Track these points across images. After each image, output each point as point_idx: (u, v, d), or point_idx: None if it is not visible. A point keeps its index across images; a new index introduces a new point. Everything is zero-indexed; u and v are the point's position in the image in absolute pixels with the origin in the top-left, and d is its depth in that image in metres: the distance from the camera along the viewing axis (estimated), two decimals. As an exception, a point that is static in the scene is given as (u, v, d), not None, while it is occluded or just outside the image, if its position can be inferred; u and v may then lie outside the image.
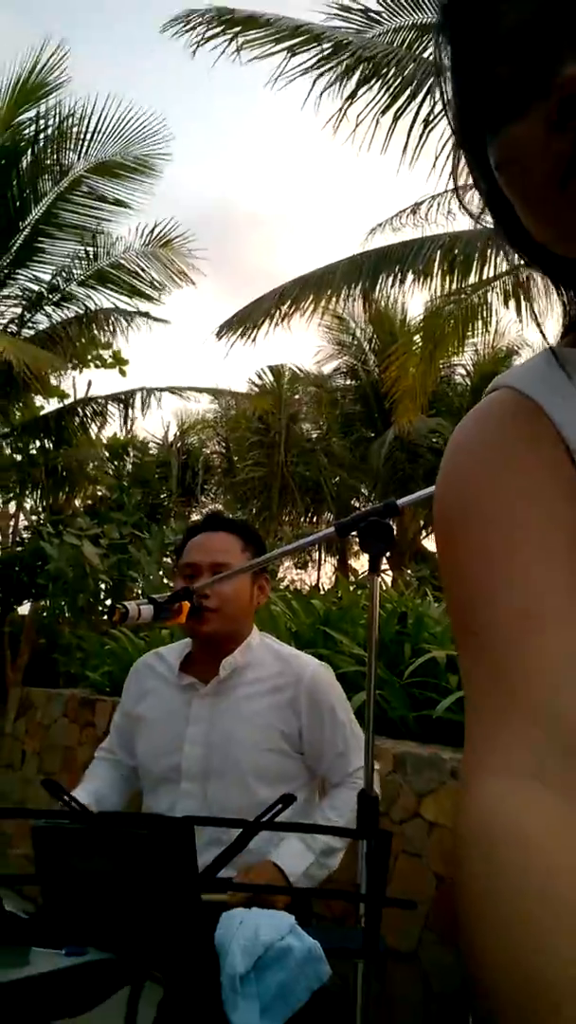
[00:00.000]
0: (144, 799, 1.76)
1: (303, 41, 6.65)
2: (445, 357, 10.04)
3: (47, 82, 8.90)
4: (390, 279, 7.51)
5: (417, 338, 8.57)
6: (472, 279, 7.38)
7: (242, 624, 1.74)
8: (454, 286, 7.44)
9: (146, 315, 10.23)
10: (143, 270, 10.05)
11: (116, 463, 14.83)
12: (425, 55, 6.81)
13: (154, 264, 10.02)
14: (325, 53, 6.66)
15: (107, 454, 13.80)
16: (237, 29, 6.72)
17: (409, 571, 13.65)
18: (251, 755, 1.63)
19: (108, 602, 8.67)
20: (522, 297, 7.55)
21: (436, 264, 7.31)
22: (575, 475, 0.44)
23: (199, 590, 1.63)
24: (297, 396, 17.43)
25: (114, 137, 9.22)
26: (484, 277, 7.37)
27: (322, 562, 19.65)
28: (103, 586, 8.73)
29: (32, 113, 9.08)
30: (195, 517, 17.40)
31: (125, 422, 10.71)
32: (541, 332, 0.53)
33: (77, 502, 11.58)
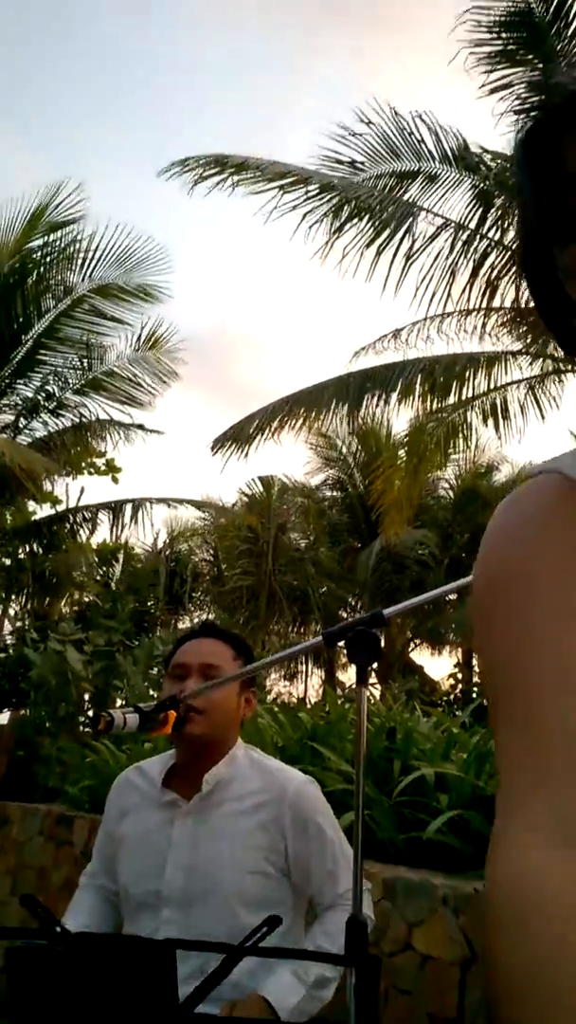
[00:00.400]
0: (124, 925, 1.68)
1: (292, 182, 7.25)
2: (429, 471, 10.33)
3: (62, 217, 9.55)
4: (375, 398, 7.86)
5: (402, 453, 8.85)
6: (452, 399, 7.73)
7: (228, 733, 1.73)
8: (435, 405, 7.78)
9: (140, 427, 10.54)
10: (135, 376, 10.46)
11: (105, 569, 14.80)
12: (404, 198, 7.42)
13: (144, 368, 10.44)
14: (313, 193, 7.25)
15: (96, 559, 13.79)
16: (231, 171, 7.35)
17: (397, 685, 13.41)
18: (235, 878, 1.57)
19: (91, 712, 8.45)
20: (500, 416, 7.89)
21: (418, 385, 7.68)
22: None
23: (187, 698, 1.62)
24: (286, 506, 17.70)
25: (117, 263, 9.82)
26: (463, 397, 7.73)
27: (309, 674, 19.32)
28: (86, 695, 8.53)
29: (42, 240, 9.70)
30: (182, 626, 17.20)
31: (115, 529, 10.81)
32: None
33: (64, 608, 11.48)
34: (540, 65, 6.73)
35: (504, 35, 6.76)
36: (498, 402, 7.94)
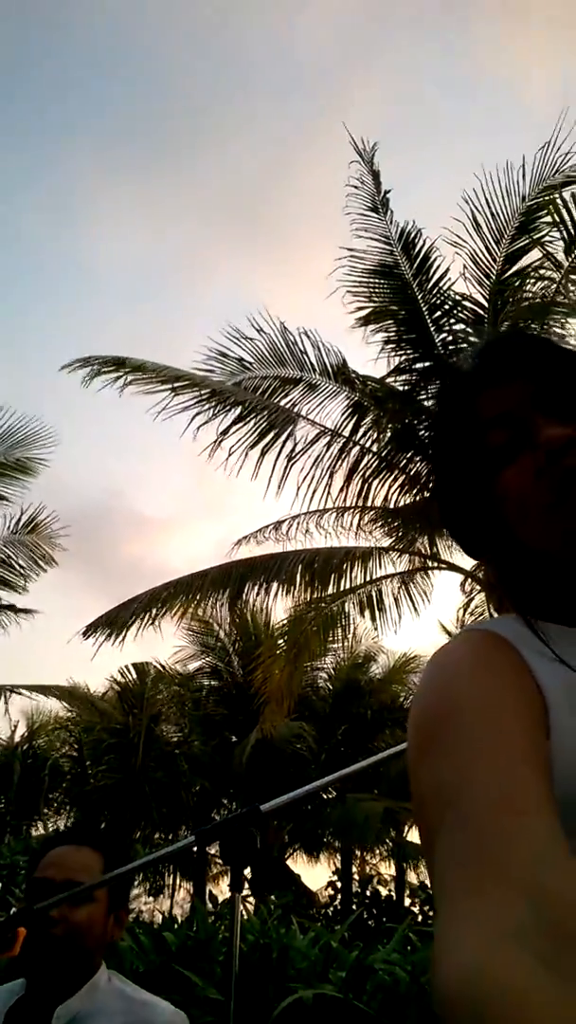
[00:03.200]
0: None
1: (185, 385, 7.78)
2: (308, 660, 10.35)
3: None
4: (256, 587, 7.99)
5: (281, 642, 8.88)
6: (331, 590, 7.99)
7: (90, 958, 1.52)
8: (315, 595, 8.00)
9: (11, 608, 10.07)
10: (9, 558, 10.13)
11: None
12: (287, 403, 8.11)
13: (21, 551, 10.16)
14: (203, 396, 7.79)
15: None
16: (127, 370, 7.82)
17: (273, 898, 12.38)
18: None
19: None
20: (375, 607, 8.19)
21: (298, 575, 7.92)
22: (537, 694, 0.55)
23: (42, 911, 1.43)
24: (160, 695, 16.94)
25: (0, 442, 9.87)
26: (341, 588, 8.02)
27: (176, 887, 17.54)
28: None
29: None
30: (36, 833, 15.40)
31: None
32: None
33: None
34: (405, 308, 7.83)
35: (374, 282, 7.89)
36: (373, 594, 8.27)
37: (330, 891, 17.57)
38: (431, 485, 8.02)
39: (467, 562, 8.19)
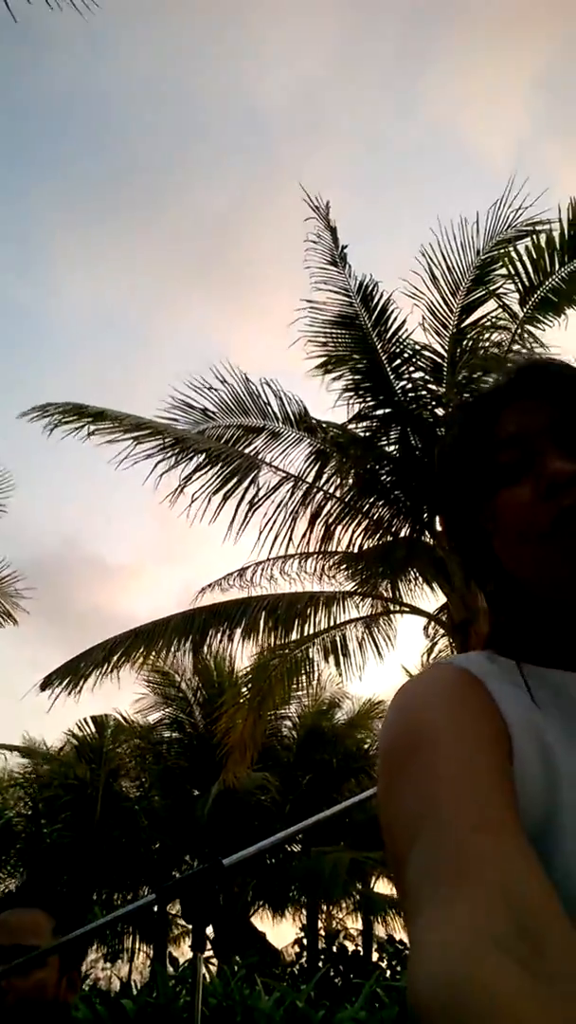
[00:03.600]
0: None
1: (147, 433, 7.78)
2: (272, 708, 10.19)
3: None
4: (219, 634, 7.90)
5: (245, 690, 8.74)
6: (295, 635, 7.93)
7: None
8: (279, 641, 7.93)
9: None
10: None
11: None
12: (249, 451, 8.15)
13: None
14: (166, 443, 7.78)
15: None
16: (88, 419, 7.79)
17: (238, 957, 11.93)
18: None
19: None
20: (340, 652, 8.14)
21: (262, 621, 7.85)
22: (502, 723, 0.56)
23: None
24: (119, 748, 16.45)
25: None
26: (305, 634, 7.97)
27: (136, 951, 16.82)
28: None
29: None
30: (-14, 897, 14.66)
31: None
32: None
33: None
34: (364, 358, 8.00)
35: (334, 331, 8.06)
36: (338, 639, 8.24)
37: (296, 948, 17.01)
38: (393, 528, 8.09)
39: (430, 605, 8.24)
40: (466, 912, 0.40)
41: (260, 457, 8.10)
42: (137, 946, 16.68)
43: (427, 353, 7.96)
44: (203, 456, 7.78)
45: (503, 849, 0.44)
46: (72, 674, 8.03)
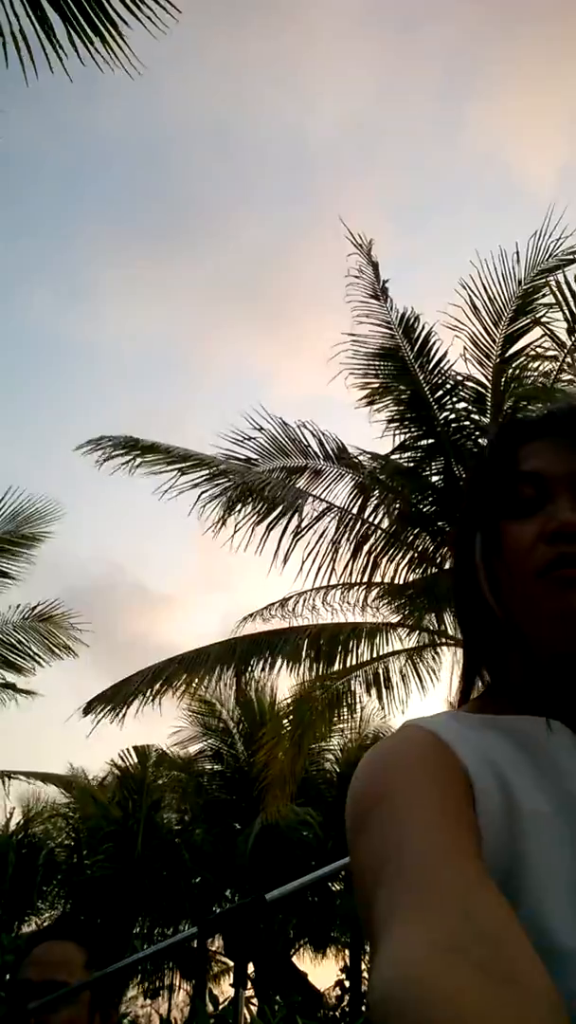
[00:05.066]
0: None
1: (192, 465, 7.89)
2: (313, 741, 10.08)
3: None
4: (260, 663, 7.86)
5: (286, 722, 8.67)
6: (336, 666, 7.86)
7: None
8: (320, 672, 7.86)
9: (11, 687, 9.88)
10: (20, 643, 9.97)
11: None
12: (298, 486, 8.19)
13: (32, 636, 10.01)
14: (211, 475, 7.88)
15: None
16: (137, 453, 7.94)
17: (279, 997, 11.67)
18: None
19: None
20: (382, 685, 8.03)
21: (303, 652, 7.80)
22: (464, 775, 0.57)
23: (21, 1017, 1.34)
24: (161, 781, 16.38)
25: (6, 519, 9.89)
26: (347, 665, 7.88)
27: (176, 988, 16.55)
28: None
29: None
30: (28, 929, 14.67)
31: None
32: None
33: None
34: (407, 389, 8.01)
35: (377, 363, 8.10)
36: (380, 671, 8.12)
37: (338, 990, 16.54)
38: (438, 560, 8.00)
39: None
40: (424, 928, 0.41)
41: (303, 491, 8.14)
42: (177, 982, 16.43)
43: (470, 383, 7.94)
44: (246, 488, 7.85)
45: (465, 878, 0.46)
46: (114, 700, 8.06)
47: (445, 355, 7.91)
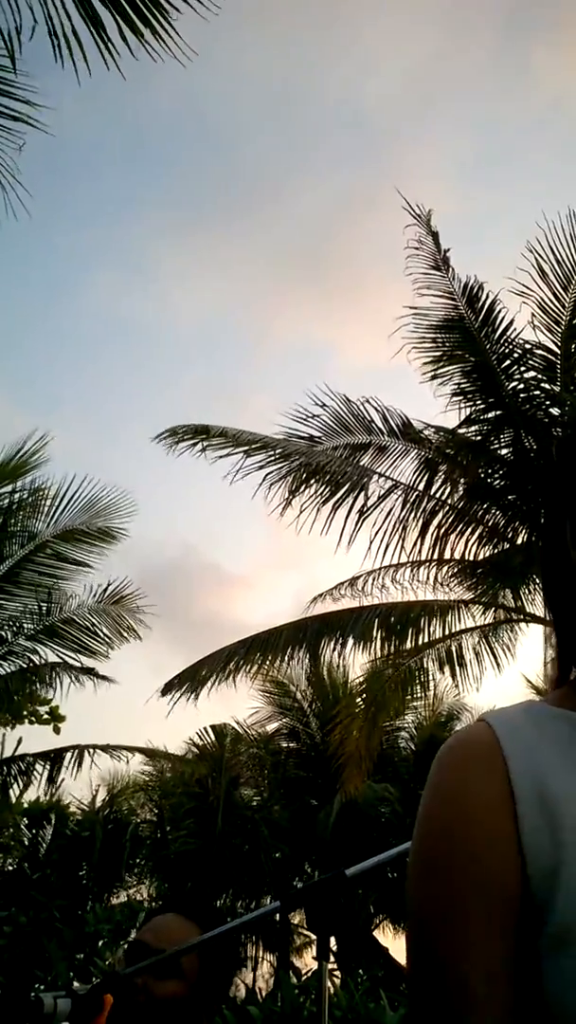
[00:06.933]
0: None
1: (258, 447, 7.93)
2: (387, 719, 10.08)
3: (27, 463, 10.04)
4: (332, 643, 7.89)
5: (359, 700, 8.69)
6: (408, 644, 7.81)
7: None
8: (392, 650, 7.84)
9: (91, 672, 10.19)
10: (93, 626, 10.27)
11: (34, 831, 13.42)
12: (362, 463, 8.13)
13: (105, 620, 10.29)
14: (275, 456, 7.91)
15: (26, 820, 12.55)
16: (204, 436, 8.04)
17: (361, 971, 11.82)
18: None
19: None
20: (456, 663, 7.95)
21: (375, 630, 7.79)
22: (513, 826, 0.56)
23: (129, 978, 1.39)
24: (239, 758, 16.71)
25: (82, 509, 10.17)
26: (419, 643, 7.83)
27: (260, 960, 16.97)
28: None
29: (9, 488, 10.07)
30: (116, 901, 15.27)
31: (51, 783, 9.98)
32: None
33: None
34: (472, 360, 7.82)
35: (440, 335, 7.93)
36: (453, 649, 8.04)
37: (421, 968, 16.65)
38: (510, 535, 7.83)
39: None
40: None
41: (368, 468, 8.08)
42: (260, 954, 16.83)
43: (539, 351, 7.69)
44: (311, 467, 7.84)
45: (500, 1000, 0.52)
46: (191, 680, 8.26)
47: (512, 323, 7.67)
